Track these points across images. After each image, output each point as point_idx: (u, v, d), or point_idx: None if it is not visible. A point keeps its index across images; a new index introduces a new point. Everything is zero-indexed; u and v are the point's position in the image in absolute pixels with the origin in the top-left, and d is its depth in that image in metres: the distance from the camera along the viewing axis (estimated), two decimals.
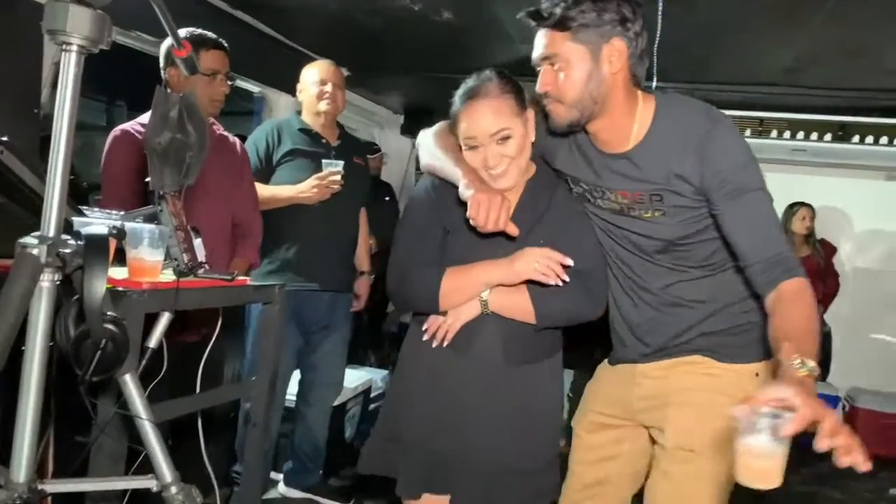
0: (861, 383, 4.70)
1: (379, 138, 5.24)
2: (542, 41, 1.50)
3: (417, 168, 6.08)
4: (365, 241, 3.26)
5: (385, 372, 4.06)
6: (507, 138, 1.59)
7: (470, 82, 1.63)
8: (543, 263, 1.54)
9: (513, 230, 1.57)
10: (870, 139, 3.98)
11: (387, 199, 4.89)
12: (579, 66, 1.46)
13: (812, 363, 1.11)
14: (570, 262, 1.55)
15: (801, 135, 4.03)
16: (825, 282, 4.39)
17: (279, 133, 2.88)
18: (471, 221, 1.55)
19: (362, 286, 3.27)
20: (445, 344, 1.65)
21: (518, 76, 1.65)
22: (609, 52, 1.46)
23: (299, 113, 3.03)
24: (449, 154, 1.68)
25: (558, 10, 1.45)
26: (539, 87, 1.52)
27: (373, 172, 4.26)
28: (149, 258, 1.35)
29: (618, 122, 1.52)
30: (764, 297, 1.39)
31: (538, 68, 1.52)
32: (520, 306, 1.62)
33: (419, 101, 5.06)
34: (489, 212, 1.51)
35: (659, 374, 1.68)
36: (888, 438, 4.18)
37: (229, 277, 1.50)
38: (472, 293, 1.63)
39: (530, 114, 1.64)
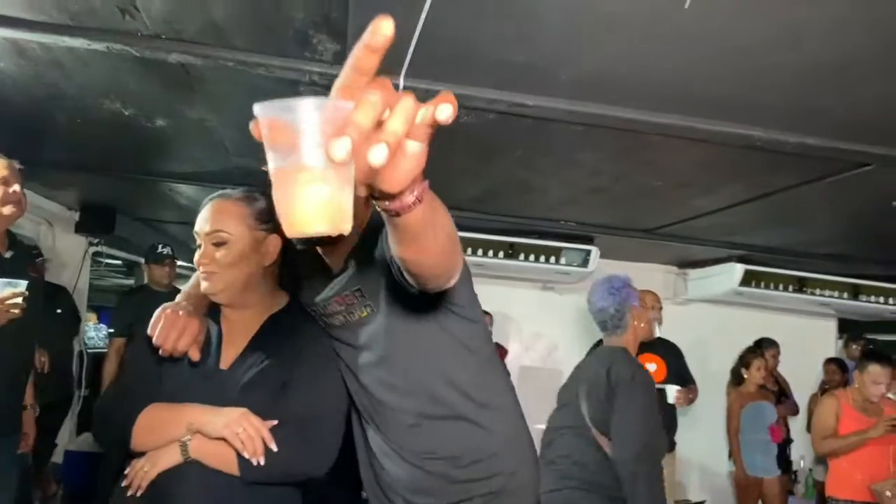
0: None
1: (47, 237, 4.58)
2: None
3: (92, 268, 5.45)
4: (32, 368, 2.78)
5: None
6: (221, 243, 1.50)
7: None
8: (247, 433, 1.40)
9: (194, 354, 1.46)
10: (532, 257, 4.67)
11: (59, 311, 4.25)
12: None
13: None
14: (273, 446, 1.41)
15: (480, 251, 4.56)
16: None
17: None
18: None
19: (28, 422, 2.76)
20: (139, 494, 1.44)
21: (222, 184, 1.63)
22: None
23: None
24: (193, 290, 1.58)
25: None
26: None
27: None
28: None
29: (348, 241, 1.50)
30: None
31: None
32: (223, 455, 1.42)
33: (99, 198, 4.58)
34: (168, 330, 1.42)
35: None
36: None
37: None
38: (170, 435, 1.44)
39: (272, 239, 1.55)
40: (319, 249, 1.51)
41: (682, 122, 2.21)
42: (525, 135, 2.57)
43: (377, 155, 0.62)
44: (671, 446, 3.95)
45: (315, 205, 0.63)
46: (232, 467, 1.42)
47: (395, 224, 0.85)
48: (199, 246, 1.52)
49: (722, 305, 5.52)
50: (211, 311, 1.61)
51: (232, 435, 1.39)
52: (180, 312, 1.46)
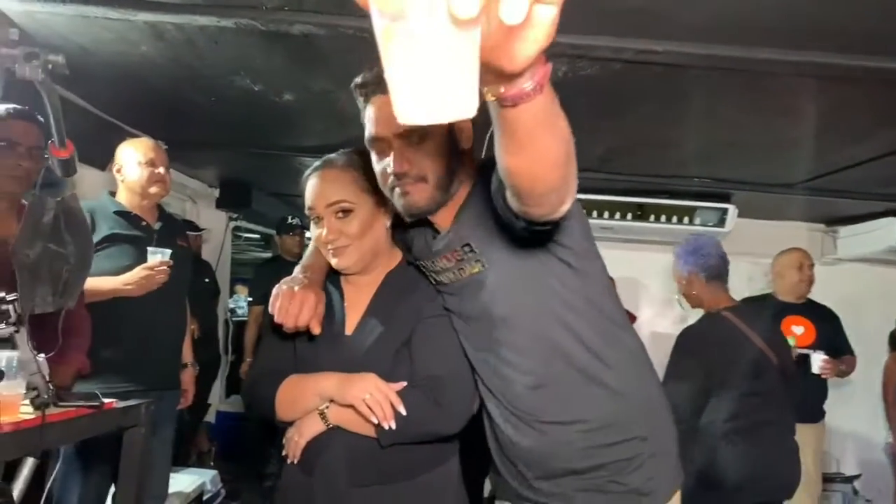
0: None
1: (192, 213, 4.91)
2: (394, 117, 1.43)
3: (233, 242, 5.80)
4: (188, 331, 2.99)
5: (214, 472, 3.67)
6: (346, 211, 1.46)
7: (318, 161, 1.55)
8: (375, 398, 1.40)
9: (315, 328, 1.44)
10: (663, 218, 4.46)
11: (206, 280, 4.56)
12: (443, 141, 1.33)
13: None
14: (402, 410, 1.40)
15: (606, 214, 4.41)
16: None
17: (92, 217, 2.56)
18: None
19: (188, 380, 2.97)
20: (295, 461, 1.50)
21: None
22: (462, 126, 1.36)
23: (112, 193, 2.74)
24: (309, 260, 1.60)
25: None
26: (395, 166, 1.31)
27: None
28: (7, 392, 1.09)
29: (459, 197, 1.42)
30: None
31: (381, 146, 1.35)
32: (359, 420, 1.43)
33: (236, 175, 4.85)
34: (288, 307, 1.41)
35: None
36: None
37: (97, 403, 1.26)
38: (308, 405, 1.48)
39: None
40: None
41: (822, 58, 1.99)
42: (653, 86, 2.42)
43: (513, 8, 0.48)
44: (817, 416, 3.65)
45: (437, 82, 0.50)
46: (369, 430, 1.44)
47: (507, 121, 0.74)
48: (317, 221, 1.49)
49: (878, 265, 5.03)
50: (331, 275, 1.61)
51: (360, 403, 1.40)
52: (296, 288, 1.44)
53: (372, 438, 1.44)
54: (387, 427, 1.39)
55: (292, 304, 1.41)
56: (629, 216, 4.42)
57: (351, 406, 1.43)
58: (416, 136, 1.29)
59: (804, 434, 3.54)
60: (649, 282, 5.29)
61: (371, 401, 1.39)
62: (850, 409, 4.59)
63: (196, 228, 4.45)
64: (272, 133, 3.44)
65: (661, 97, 2.58)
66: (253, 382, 1.57)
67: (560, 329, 1.39)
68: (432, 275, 1.54)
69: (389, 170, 1.32)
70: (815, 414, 3.61)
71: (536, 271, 1.36)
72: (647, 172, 3.88)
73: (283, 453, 1.52)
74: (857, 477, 4.86)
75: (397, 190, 1.35)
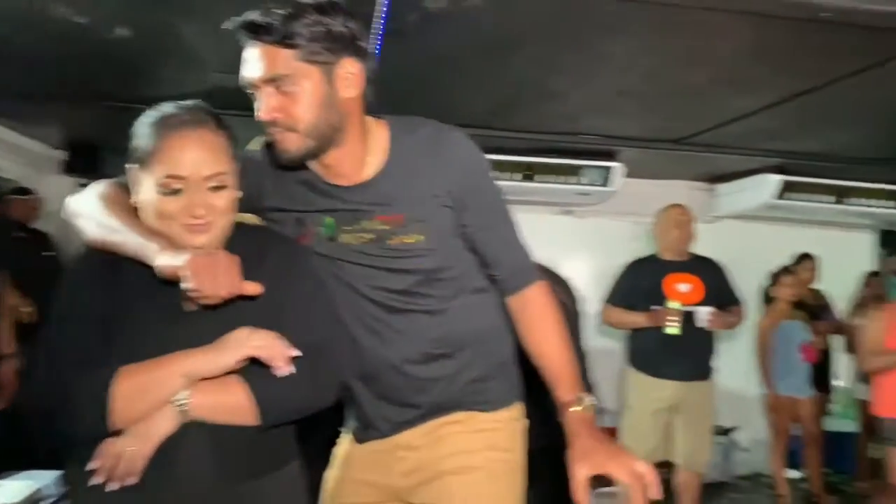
0: None
1: (32, 181, 4.30)
2: (261, 60, 1.25)
3: None
4: (7, 314, 2.51)
5: (57, 472, 3.20)
6: (222, 187, 1.23)
7: (169, 110, 1.23)
8: (265, 341, 1.20)
9: (254, 288, 1.21)
10: (550, 178, 4.34)
11: (44, 253, 3.99)
12: (314, 90, 1.28)
13: (588, 398, 1.37)
14: (295, 351, 1.21)
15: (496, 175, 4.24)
16: None
17: None
18: (192, 294, 1.15)
19: (5, 373, 2.53)
20: (129, 481, 1.16)
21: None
22: (343, 73, 1.30)
23: None
24: (132, 222, 1.25)
25: (281, 23, 1.22)
26: (264, 113, 1.28)
27: (22, 220, 3.55)
28: None
29: (353, 152, 1.38)
30: (508, 298, 1.48)
31: (254, 92, 1.29)
32: (235, 403, 1.20)
33: (84, 135, 4.28)
34: (216, 276, 1.16)
35: (423, 443, 1.48)
36: None
37: None
38: (164, 394, 1.17)
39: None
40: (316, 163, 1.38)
41: None
42: (545, 22, 2.22)
43: None
44: (707, 374, 3.66)
45: None
46: (245, 414, 1.21)
47: None
48: (176, 192, 1.20)
49: (755, 221, 5.19)
50: None
51: (255, 349, 1.19)
52: (214, 254, 1.20)
53: (233, 430, 1.20)
54: (286, 373, 1.19)
55: (220, 272, 1.17)
56: (519, 177, 4.27)
57: (227, 382, 1.20)
58: (285, 82, 1.25)
59: (695, 391, 3.56)
60: (535, 245, 5.20)
61: (261, 342, 1.19)
62: (725, 363, 4.72)
63: (25, 192, 3.88)
64: (114, 81, 2.99)
65: (550, 36, 2.38)
66: (52, 386, 1.18)
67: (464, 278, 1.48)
68: (320, 229, 1.42)
69: (258, 115, 1.29)
70: (704, 371, 3.60)
71: (458, 246, 1.45)
72: (536, 129, 3.74)
73: (96, 480, 1.15)
74: (733, 429, 5.04)
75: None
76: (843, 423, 5.09)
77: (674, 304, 3.45)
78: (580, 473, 1.24)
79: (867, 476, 4.51)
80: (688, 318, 3.45)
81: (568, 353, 1.44)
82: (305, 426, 1.36)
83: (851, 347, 4.66)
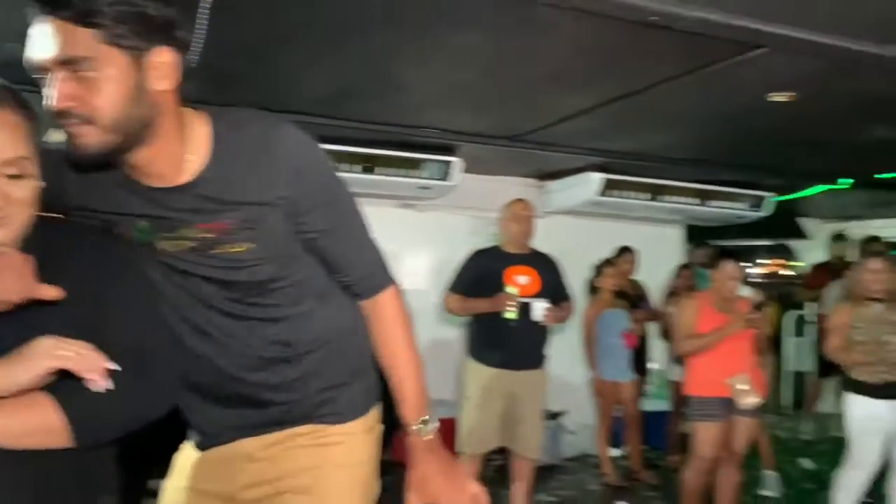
0: None
1: None
2: (55, 37, 1.05)
3: None
4: None
5: None
6: (21, 176, 1.07)
7: None
8: (74, 350, 1.03)
9: (52, 292, 1.05)
10: (391, 170, 4.30)
11: None
12: (119, 78, 1.10)
13: (431, 424, 1.39)
14: (112, 364, 1.06)
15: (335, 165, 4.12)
16: None
17: None
18: None
19: None
20: None
21: None
22: (155, 62, 1.13)
23: None
24: None
25: None
26: (56, 101, 1.08)
27: None
28: None
29: (168, 151, 1.20)
30: (361, 303, 1.42)
31: (43, 75, 1.10)
32: (42, 422, 1.05)
33: None
34: (4, 279, 1.02)
35: (264, 456, 1.38)
36: None
37: None
38: None
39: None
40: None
41: None
42: (390, 6, 2.16)
43: None
44: (540, 362, 3.80)
45: None
46: (56, 435, 1.04)
47: None
48: None
49: (580, 217, 5.50)
50: None
51: (61, 359, 1.02)
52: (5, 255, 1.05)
53: (45, 453, 1.03)
54: (103, 388, 1.03)
55: (6, 275, 1.03)
56: (359, 168, 4.18)
57: (19, 413, 1.02)
58: (82, 65, 1.07)
59: (530, 380, 3.69)
60: (379, 239, 5.15)
61: (70, 353, 1.02)
62: (553, 351, 4.97)
63: None
64: None
65: (394, 23, 2.33)
66: None
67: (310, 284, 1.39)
68: (135, 234, 1.26)
69: (48, 103, 1.09)
70: (538, 360, 3.75)
71: (296, 252, 1.32)
72: (377, 119, 3.66)
73: None
74: (561, 413, 5.31)
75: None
76: (657, 402, 5.54)
77: (512, 290, 3.58)
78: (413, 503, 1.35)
79: (678, 451, 4.92)
80: (524, 309, 3.57)
81: (416, 370, 1.40)
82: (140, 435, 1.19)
83: (666, 333, 5.08)
